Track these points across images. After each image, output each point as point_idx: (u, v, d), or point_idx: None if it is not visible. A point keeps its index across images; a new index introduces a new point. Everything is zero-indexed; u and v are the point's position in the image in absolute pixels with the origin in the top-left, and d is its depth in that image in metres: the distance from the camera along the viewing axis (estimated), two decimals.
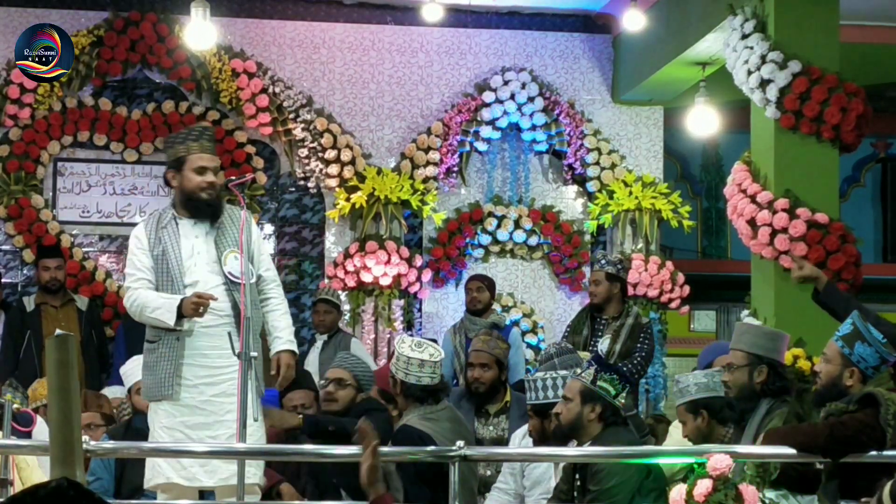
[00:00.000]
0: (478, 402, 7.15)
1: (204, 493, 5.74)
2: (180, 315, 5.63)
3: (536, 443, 6.03)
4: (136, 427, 6.68)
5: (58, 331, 9.22)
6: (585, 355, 6.80)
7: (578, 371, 5.76)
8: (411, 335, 10.44)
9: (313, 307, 9.87)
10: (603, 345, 8.38)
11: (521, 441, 6.37)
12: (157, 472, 5.65)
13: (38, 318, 9.64)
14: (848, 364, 5.29)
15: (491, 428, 7.06)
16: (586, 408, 5.58)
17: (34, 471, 6.16)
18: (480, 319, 9.38)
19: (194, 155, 5.82)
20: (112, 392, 8.26)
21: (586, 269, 10.95)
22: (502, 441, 6.86)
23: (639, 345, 8.50)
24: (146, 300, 5.72)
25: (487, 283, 9.67)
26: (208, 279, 5.79)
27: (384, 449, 5.63)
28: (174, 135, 6.13)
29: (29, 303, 9.82)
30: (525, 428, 6.44)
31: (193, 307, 5.61)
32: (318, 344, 9.59)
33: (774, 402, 5.64)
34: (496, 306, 10.21)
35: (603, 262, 8.76)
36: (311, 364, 9.39)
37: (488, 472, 6.67)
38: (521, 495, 6.26)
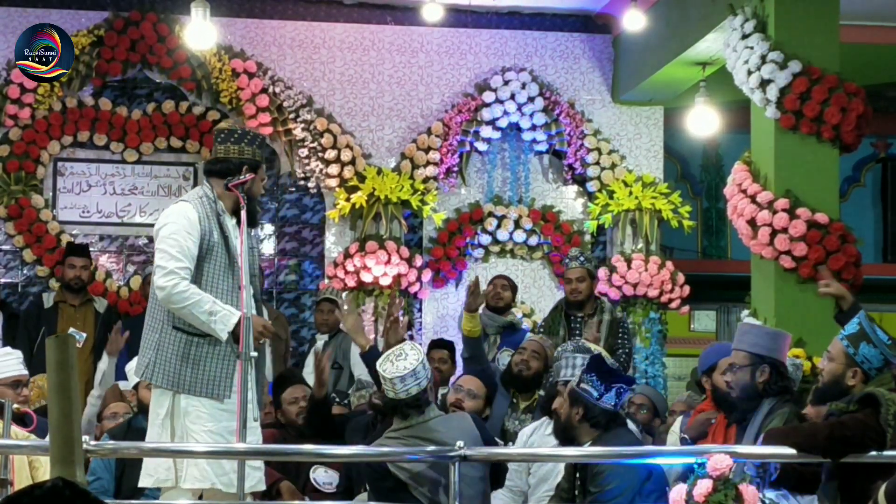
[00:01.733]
0: (514, 386, 7.21)
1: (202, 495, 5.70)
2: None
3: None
4: (136, 427, 6.68)
5: (71, 329, 9.24)
6: (598, 348, 6.79)
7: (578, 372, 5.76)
8: (411, 335, 10.45)
9: (316, 306, 9.87)
10: None
11: (528, 439, 6.38)
12: (205, 475, 5.52)
13: (54, 315, 9.64)
14: (851, 364, 5.30)
15: (517, 423, 7.09)
16: (573, 410, 5.62)
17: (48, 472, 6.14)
18: (499, 317, 9.33)
19: (264, 165, 5.88)
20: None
21: None
22: None
23: (620, 341, 8.52)
24: (202, 299, 5.51)
25: (512, 284, 9.68)
26: (248, 286, 5.72)
27: (386, 449, 5.65)
28: (249, 132, 5.96)
29: (47, 299, 9.83)
30: (533, 426, 6.46)
31: (258, 334, 5.54)
32: (319, 344, 9.58)
33: (776, 402, 5.64)
34: None
35: (582, 258, 8.76)
36: (312, 365, 9.37)
37: None
38: (525, 493, 6.27)
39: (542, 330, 8.68)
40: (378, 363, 5.85)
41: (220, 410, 5.58)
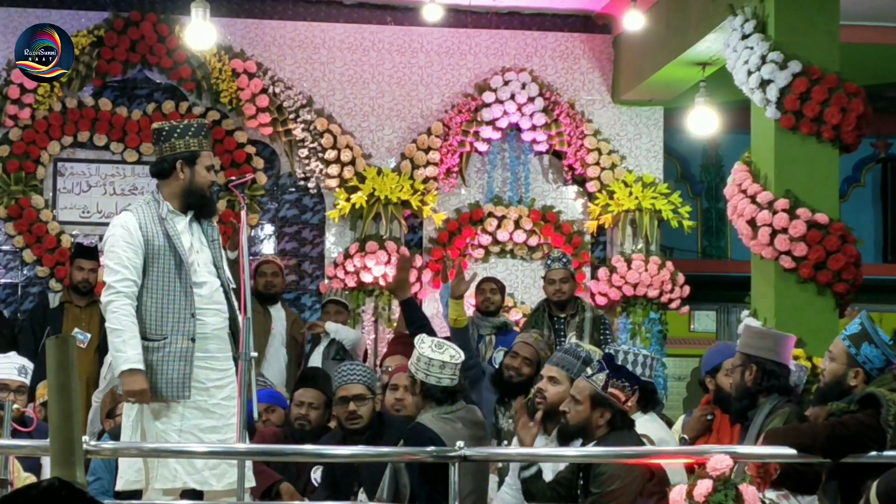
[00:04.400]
0: (503, 390, 7.19)
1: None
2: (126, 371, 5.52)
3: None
4: None
5: (76, 330, 9.15)
6: (595, 349, 6.77)
7: (589, 372, 5.68)
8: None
9: (322, 308, 9.88)
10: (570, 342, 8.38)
11: None
12: (175, 475, 5.54)
13: (60, 315, 9.61)
14: (853, 364, 5.30)
15: (510, 421, 7.08)
16: (596, 413, 5.53)
17: None
18: (492, 318, 9.33)
19: (206, 152, 5.83)
20: None
21: (586, 270, 10.95)
22: None
23: (602, 337, 8.54)
24: (123, 330, 5.55)
25: (500, 287, 9.65)
26: (211, 281, 5.75)
27: (386, 449, 5.65)
28: (180, 125, 5.87)
29: (53, 300, 9.81)
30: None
31: (136, 395, 5.51)
32: (322, 345, 9.57)
33: (778, 402, 5.63)
34: None
35: (564, 260, 8.78)
36: (317, 364, 9.38)
37: (500, 464, 6.68)
38: None
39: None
40: (434, 354, 5.91)
41: (189, 409, 5.62)
